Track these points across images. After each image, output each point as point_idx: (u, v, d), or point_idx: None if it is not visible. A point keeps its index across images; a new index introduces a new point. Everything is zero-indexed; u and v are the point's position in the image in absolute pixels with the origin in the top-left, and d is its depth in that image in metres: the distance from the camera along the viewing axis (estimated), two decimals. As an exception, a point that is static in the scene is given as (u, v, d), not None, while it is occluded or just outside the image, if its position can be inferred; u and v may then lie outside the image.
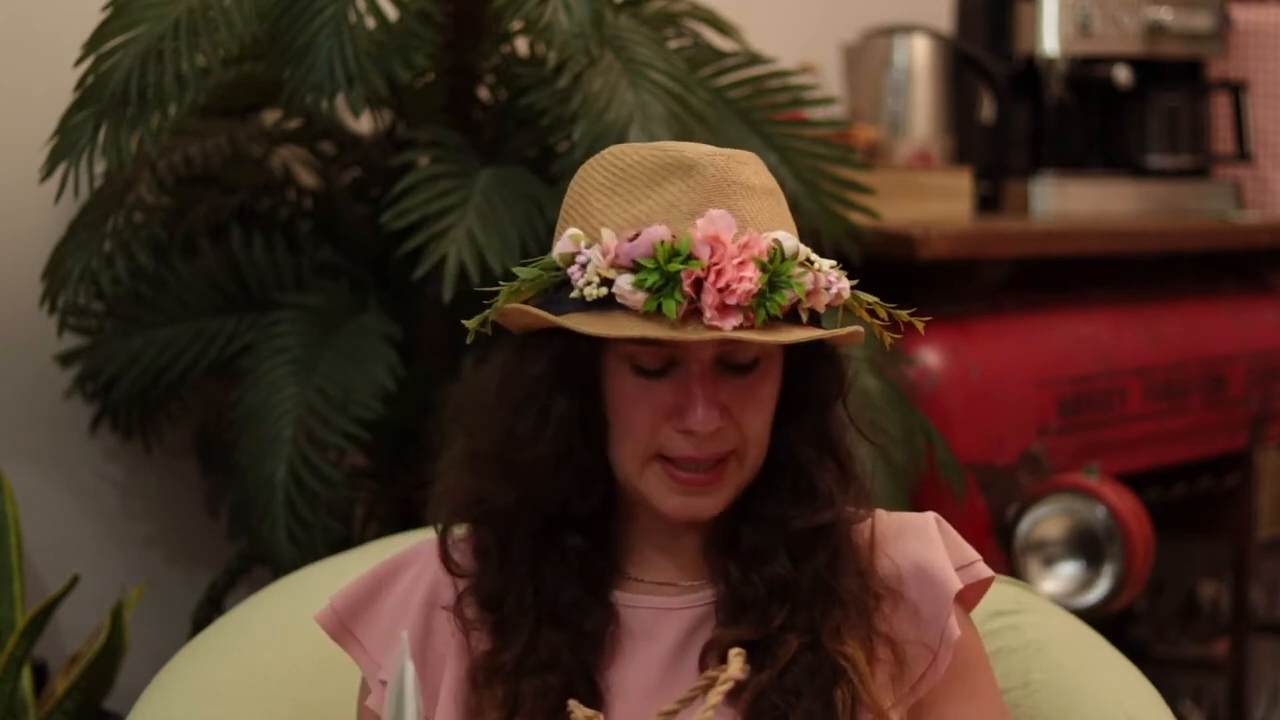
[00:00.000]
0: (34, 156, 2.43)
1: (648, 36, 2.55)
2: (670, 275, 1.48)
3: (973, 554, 1.63)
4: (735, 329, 1.48)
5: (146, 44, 2.37)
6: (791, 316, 1.52)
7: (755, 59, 2.72)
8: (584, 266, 1.51)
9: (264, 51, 2.53)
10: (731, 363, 1.54)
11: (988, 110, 3.74)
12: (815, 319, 1.55)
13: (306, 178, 2.87)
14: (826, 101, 2.80)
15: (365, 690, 1.66)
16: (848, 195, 2.68)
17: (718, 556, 1.59)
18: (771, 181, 1.58)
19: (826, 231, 2.61)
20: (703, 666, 1.56)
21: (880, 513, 1.65)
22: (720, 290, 1.48)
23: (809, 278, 1.51)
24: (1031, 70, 3.69)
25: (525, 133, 2.66)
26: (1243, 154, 3.88)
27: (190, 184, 2.73)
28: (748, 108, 2.64)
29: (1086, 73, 3.70)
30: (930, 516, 1.65)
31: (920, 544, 1.62)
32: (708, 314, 1.48)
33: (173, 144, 2.64)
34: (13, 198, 2.70)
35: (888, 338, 1.60)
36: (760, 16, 3.18)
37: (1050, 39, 3.63)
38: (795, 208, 2.56)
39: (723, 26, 2.83)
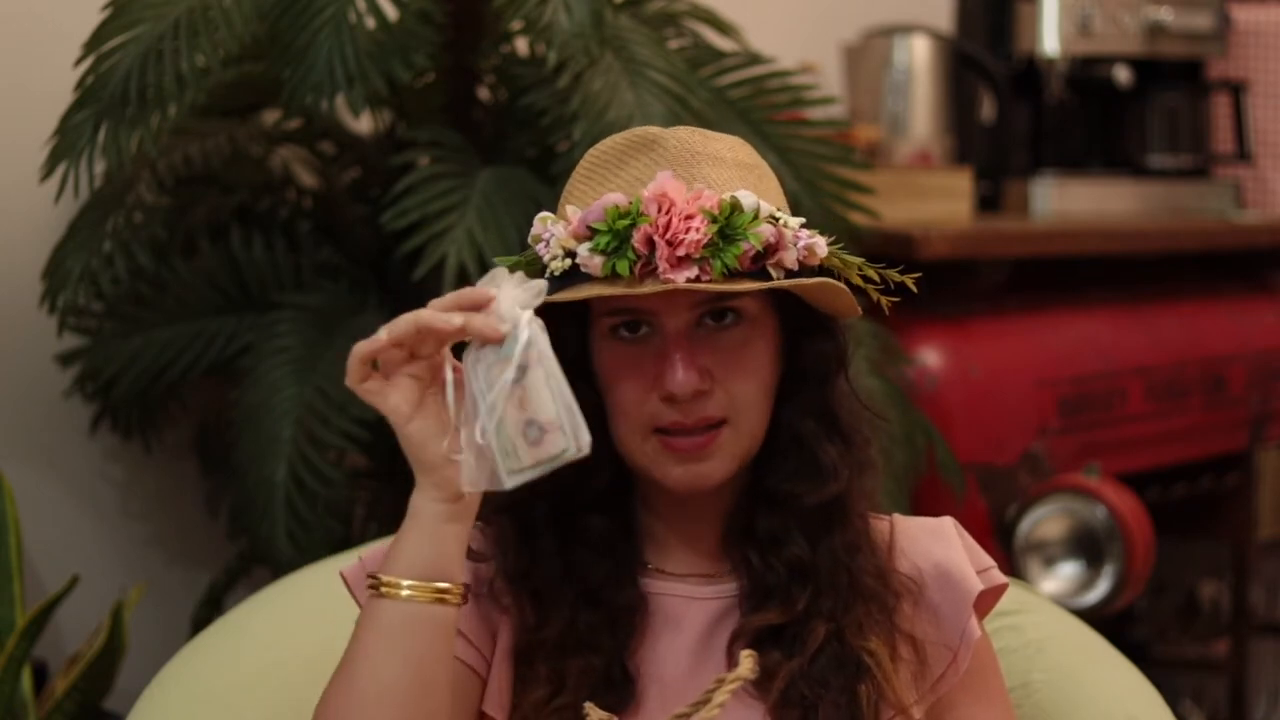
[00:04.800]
0: (34, 156, 2.43)
1: (648, 36, 2.55)
2: (620, 234, 1.50)
3: (989, 560, 1.65)
4: (690, 281, 1.49)
5: (146, 44, 2.37)
6: (761, 274, 1.53)
7: (755, 59, 2.72)
8: (548, 243, 1.54)
9: (264, 51, 2.53)
10: (711, 324, 1.55)
11: (988, 110, 3.74)
12: (797, 277, 1.55)
13: (306, 178, 2.87)
14: (826, 101, 2.79)
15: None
16: (848, 195, 2.68)
17: (737, 546, 1.61)
18: (752, 159, 1.59)
19: (827, 231, 2.61)
20: (729, 654, 1.57)
21: (898, 516, 1.66)
22: (670, 243, 1.49)
23: (768, 230, 1.52)
24: (1031, 70, 3.69)
25: (525, 133, 2.66)
26: (1243, 154, 3.88)
27: (190, 184, 2.73)
28: (748, 108, 2.64)
29: (1086, 73, 3.70)
30: (948, 520, 1.66)
31: (941, 546, 1.63)
32: (660, 267, 1.50)
33: (173, 144, 2.64)
34: (13, 198, 2.70)
35: (885, 301, 1.60)
36: (760, 16, 3.18)
37: (1050, 39, 3.63)
38: (795, 208, 2.59)
39: (723, 26, 2.83)
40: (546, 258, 1.54)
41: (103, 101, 2.37)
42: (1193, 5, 3.74)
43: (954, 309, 3.16)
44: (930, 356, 3.08)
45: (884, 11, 3.71)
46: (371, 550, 1.65)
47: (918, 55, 3.58)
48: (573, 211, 1.53)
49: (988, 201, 3.65)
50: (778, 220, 1.53)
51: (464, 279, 2.35)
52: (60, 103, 2.42)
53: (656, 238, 1.50)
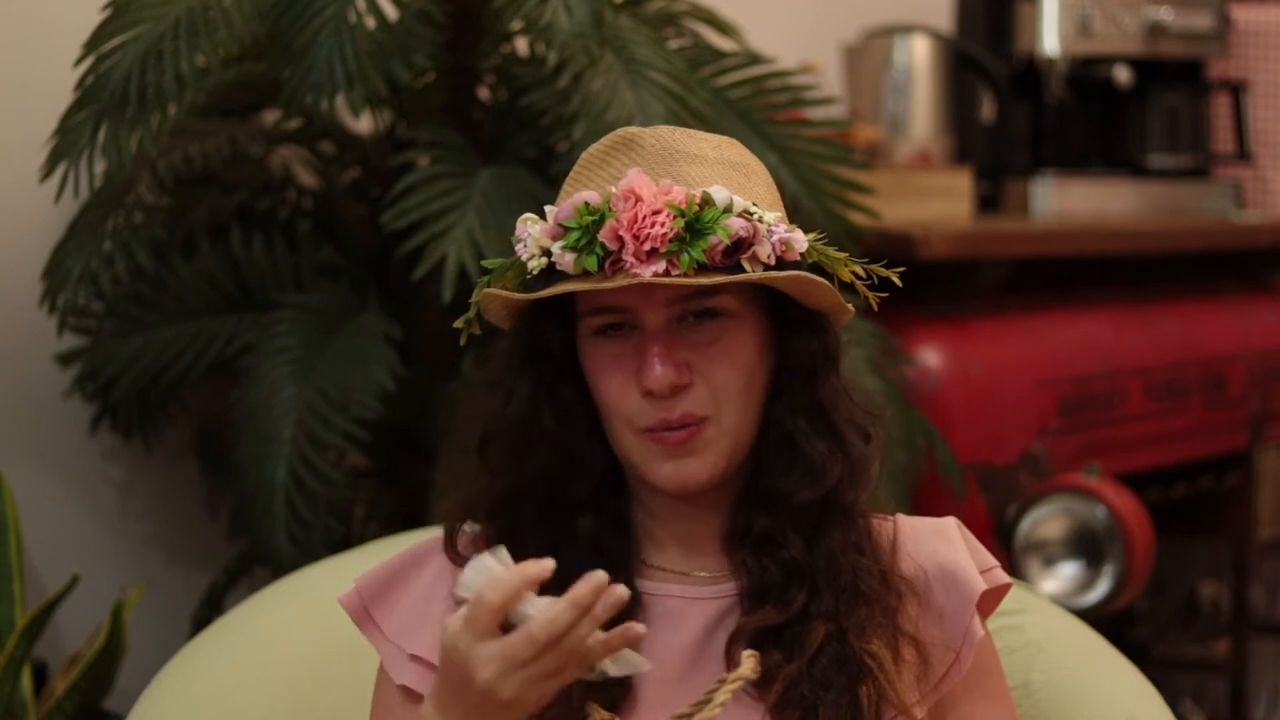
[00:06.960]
0: (34, 156, 2.43)
1: (648, 36, 2.55)
2: (589, 230, 1.52)
3: (992, 560, 1.66)
4: (656, 275, 1.50)
5: (146, 44, 2.37)
6: (736, 269, 1.53)
7: (755, 59, 2.72)
8: (526, 243, 1.55)
9: (264, 51, 2.53)
10: (691, 320, 1.55)
11: (988, 110, 3.74)
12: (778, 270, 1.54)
13: (306, 178, 2.87)
14: (826, 101, 2.79)
15: (384, 675, 1.65)
16: (848, 195, 2.68)
17: (736, 548, 1.61)
18: (739, 158, 1.59)
19: (827, 231, 2.61)
20: (729, 655, 1.57)
21: (901, 516, 1.66)
22: (636, 238, 1.50)
23: (739, 224, 1.52)
24: (1031, 70, 3.69)
25: (525, 133, 2.66)
26: (1243, 154, 3.88)
27: (190, 184, 2.73)
28: (748, 108, 2.64)
29: (1086, 73, 3.70)
30: (952, 521, 1.66)
31: (944, 546, 1.64)
32: (627, 262, 1.51)
33: (173, 144, 2.64)
34: (13, 198, 2.70)
35: (873, 298, 1.61)
36: (760, 16, 3.18)
37: (1050, 39, 3.63)
38: (795, 208, 2.59)
39: (723, 26, 2.83)
40: (525, 257, 1.55)
41: (103, 101, 2.37)
42: (1193, 5, 3.74)
43: (954, 309, 3.16)
44: (930, 356, 3.08)
45: (884, 11, 3.71)
46: (367, 577, 1.65)
47: (918, 55, 3.58)
48: (550, 211, 1.55)
49: (988, 201, 3.65)
50: (752, 215, 1.53)
51: (464, 279, 2.35)
52: (60, 103, 2.42)
53: (623, 233, 1.51)
